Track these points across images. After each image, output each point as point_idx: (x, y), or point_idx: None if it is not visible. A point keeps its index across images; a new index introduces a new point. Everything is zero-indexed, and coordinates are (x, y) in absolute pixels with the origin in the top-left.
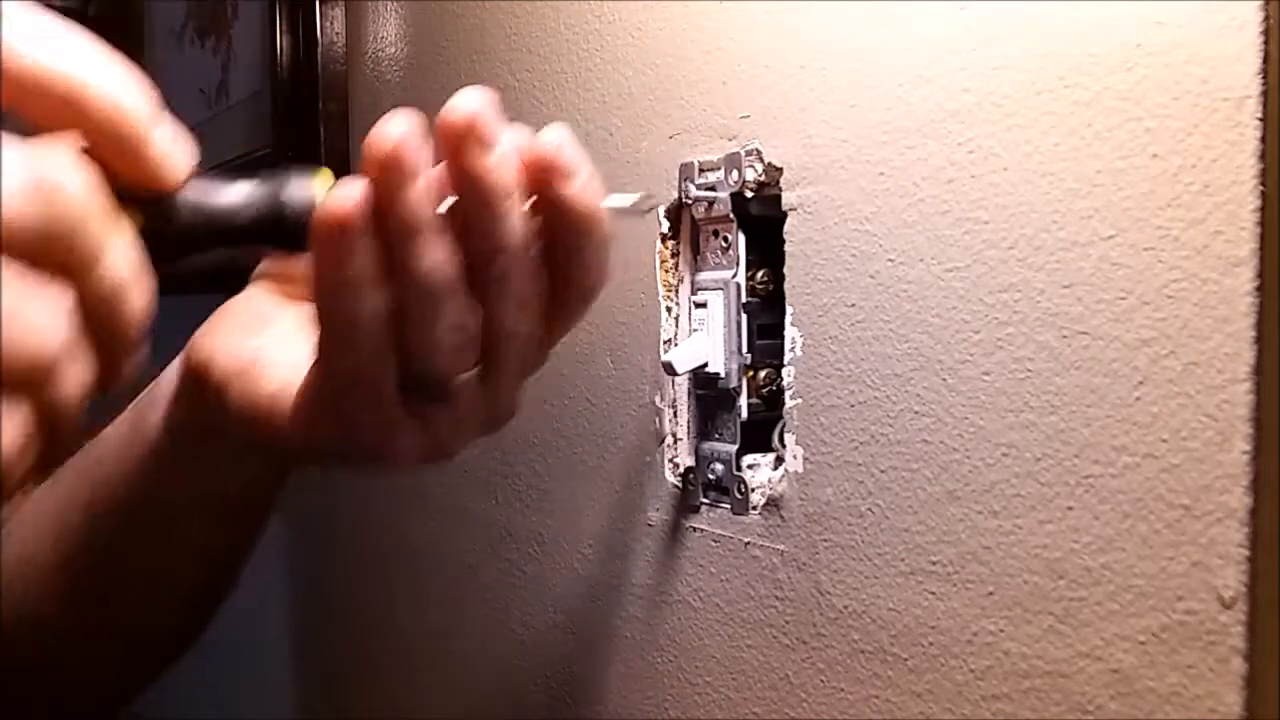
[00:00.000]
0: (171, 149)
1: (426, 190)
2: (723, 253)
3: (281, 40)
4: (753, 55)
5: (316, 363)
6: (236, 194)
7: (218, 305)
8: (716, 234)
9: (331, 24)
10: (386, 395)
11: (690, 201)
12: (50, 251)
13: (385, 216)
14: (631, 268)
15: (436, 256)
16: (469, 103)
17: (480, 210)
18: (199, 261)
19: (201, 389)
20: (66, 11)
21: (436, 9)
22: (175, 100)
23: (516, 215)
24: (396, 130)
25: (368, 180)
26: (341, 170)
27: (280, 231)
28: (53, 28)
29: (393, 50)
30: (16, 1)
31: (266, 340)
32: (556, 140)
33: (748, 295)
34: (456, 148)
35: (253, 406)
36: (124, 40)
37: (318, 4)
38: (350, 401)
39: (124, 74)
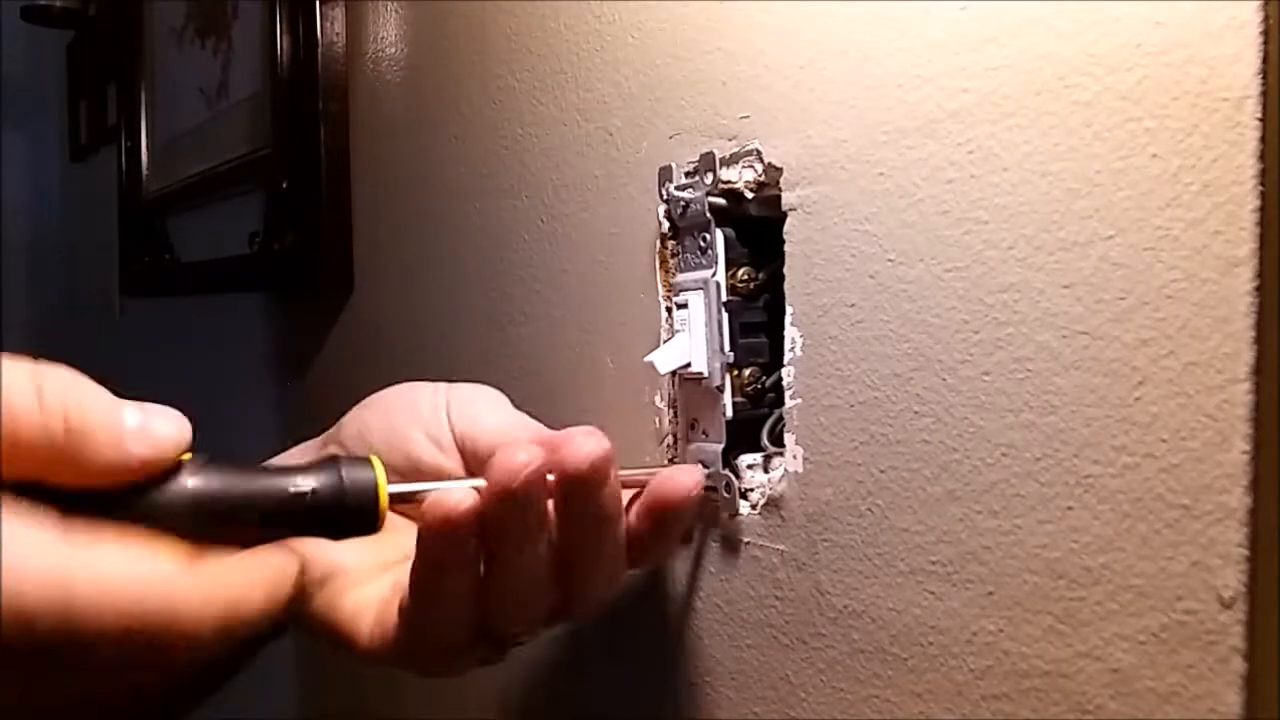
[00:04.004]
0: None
1: (537, 520)
2: (702, 253)
3: (282, 40)
4: (753, 55)
5: (402, 617)
6: (302, 482)
7: (216, 306)
8: (695, 234)
9: (331, 24)
10: (460, 643)
11: (667, 203)
12: None
13: (497, 525)
14: (631, 268)
15: (534, 559)
16: (589, 447)
17: (586, 537)
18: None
19: None
20: (67, 12)
21: (436, 9)
22: (175, 101)
23: (620, 529)
24: (522, 463)
25: (488, 492)
26: (342, 171)
27: (342, 516)
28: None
29: (393, 50)
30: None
31: (349, 555)
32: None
33: (729, 294)
34: (574, 487)
35: (329, 614)
36: (124, 40)
37: (318, 4)
38: (425, 645)
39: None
